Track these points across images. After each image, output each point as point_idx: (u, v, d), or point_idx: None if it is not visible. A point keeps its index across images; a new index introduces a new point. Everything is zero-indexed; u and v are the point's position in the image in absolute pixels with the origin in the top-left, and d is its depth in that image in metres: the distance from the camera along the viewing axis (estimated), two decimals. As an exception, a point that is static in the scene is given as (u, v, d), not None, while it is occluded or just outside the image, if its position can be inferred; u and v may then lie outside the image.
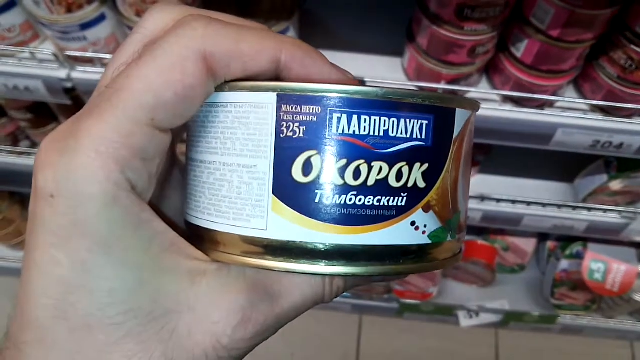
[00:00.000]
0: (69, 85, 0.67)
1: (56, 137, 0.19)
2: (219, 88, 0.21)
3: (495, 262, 1.16)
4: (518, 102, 0.67)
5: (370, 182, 0.20)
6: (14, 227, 1.10)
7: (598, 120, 0.67)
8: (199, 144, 0.22)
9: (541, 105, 0.67)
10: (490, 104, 0.68)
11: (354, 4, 0.78)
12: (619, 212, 0.90)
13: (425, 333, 1.29)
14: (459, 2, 0.55)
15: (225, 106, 0.20)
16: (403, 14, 0.71)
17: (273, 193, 0.20)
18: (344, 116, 0.20)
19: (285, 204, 0.20)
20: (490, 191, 0.92)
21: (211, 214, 0.21)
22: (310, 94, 0.20)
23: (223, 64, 0.20)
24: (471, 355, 1.29)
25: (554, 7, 0.55)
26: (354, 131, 0.20)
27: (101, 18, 0.62)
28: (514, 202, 0.92)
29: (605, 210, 0.90)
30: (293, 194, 0.20)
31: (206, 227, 0.22)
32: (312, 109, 0.20)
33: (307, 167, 0.20)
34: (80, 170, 0.18)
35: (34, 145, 0.95)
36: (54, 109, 0.86)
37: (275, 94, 0.20)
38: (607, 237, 0.96)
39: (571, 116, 0.67)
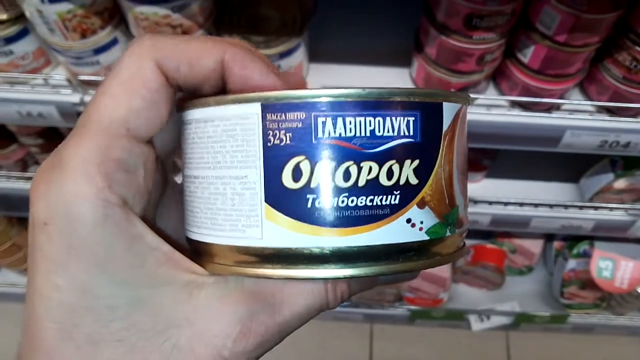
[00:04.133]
0: (82, 109, 0.68)
1: (43, 171, 0.20)
2: (206, 103, 0.21)
3: (504, 265, 1.17)
4: (526, 106, 0.69)
5: (361, 183, 0.20)
6: (24, 253, 1.10)
7: (605, 121, 0.68)
8: (192, 160, 0.22)
9: (549, 108, 0.69)
10: (499, 109, 0.69)
11: (359, 17, 0.79)
12: (625, 209, 0.91)
13: (437, 338, 1.29)
14: (467, 11, 0.57)
15: (213, 121, 0.21)
16: (410, 24, 0.73)
17: (266, 201, 0.20)
18: (329, 120, 0.20)
19: (279, 211, 0.20)
20: (498, 195, 0.93)
21: (208, 228, 0.22)
22: (294, 101, 0.20)
23: (173, 67, 0.21)
24: (484, 358, 1.29)
25: (560, 13, 0.56)
26: (340, 134, 0.20)
27: (114, 42, 0.63)
28: (521, 204, 0.93)
29: (611, 209, 0.91)
30: (285, 200, 0.20)
31: (204, 240, 0.22)
32: (297, 115, 0.20)
33: (296, 173, 0.20)
34: (69, 195, 0.19)
35: (43, 169, 0.96)
36: (64, 133, 0.86)
37: (259, 104, 0.20)
38: (614, 234, 0.97)
39: (578, 118, 0.68)
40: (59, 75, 0.67)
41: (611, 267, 1.07)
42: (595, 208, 0.92)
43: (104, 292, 0.19)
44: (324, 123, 0.20)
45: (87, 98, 0.67)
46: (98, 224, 0.19)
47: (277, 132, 0.20)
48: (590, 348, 1.30)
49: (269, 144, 0.20)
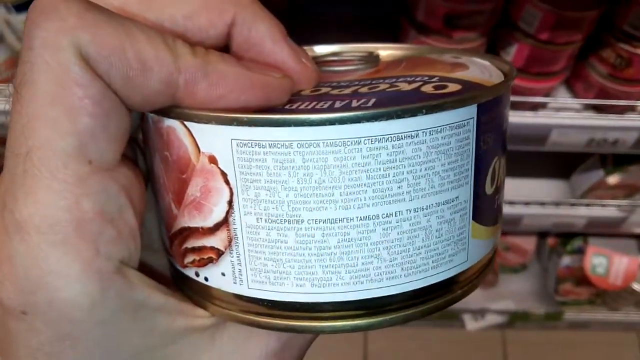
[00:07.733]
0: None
1: None
2: (405, 112, 0.15)
3: (497, 264, 1.16)
4: (511, 106, 0.67)
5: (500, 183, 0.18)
6: None
7: (592, 119, 0.67)
8: (352, 196, 0.16)
9: (534, 107, 0.67)
10: (484, 109, 0.67)
11: (334, 17, 0.78)
12: (617, 205, 0.90)
13: (432, 339, 1.28)
14: (446, 11, 0.55)
15: (414, 136, 0.15)
16: (388, 23, 0.71)
17: (473, 219, 0.17)
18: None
19: (480, 224, 0.18)
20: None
21: (393, 277, 0.17)
22: (500, 95, 0.17)
23: (102, 71, 0.14)
24: (480, 358, 1.28)
25: (541, 10, 0.55)
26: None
27: (86, 50, 0.62)
28: (512, 203, 0.91)
29: (603, 205, 0.90)
30: (485, 209, 0.18)
31: (383, 294, 0.17)
32: (500, 111, 0.17)
33: (493, 176, 0.18)
34: (49, 277, 0.14)
35: None
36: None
37: (475, 105, 0.16)
38: (607, 231, 0.96)
39: (565, 116, 0.67)
40: (32, 85, 0.66)
41: (605, 263, 1.06)
42: (587, 205, 0.91)
43: None
44: (507, 115, 0.19)
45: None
46: (96, 304, 0.15)
47: (486, 135, 0.17)
48: (587, 344, 1.29)
49: (479, 151, 0.17)
